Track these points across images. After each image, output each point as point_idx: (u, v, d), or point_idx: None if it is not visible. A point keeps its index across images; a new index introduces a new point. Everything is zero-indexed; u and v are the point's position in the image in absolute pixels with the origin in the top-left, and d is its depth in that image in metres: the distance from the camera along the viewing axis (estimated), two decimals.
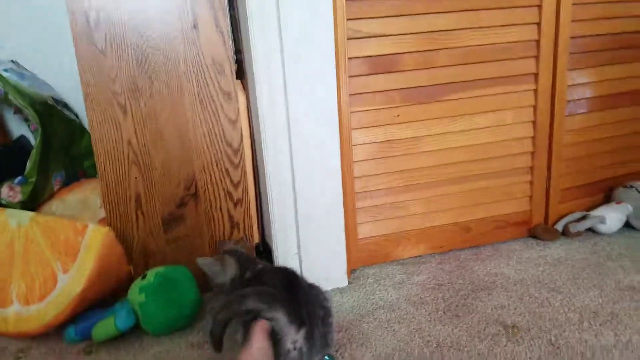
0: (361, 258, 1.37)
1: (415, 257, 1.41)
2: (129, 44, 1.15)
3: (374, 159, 1.31)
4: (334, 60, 1.19)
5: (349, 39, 1.20)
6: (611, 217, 1.43)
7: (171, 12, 1.16)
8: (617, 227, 1.45)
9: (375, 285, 1.27)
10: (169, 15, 1.16)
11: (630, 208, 1.45)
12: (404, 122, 1.30)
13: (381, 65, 1.26)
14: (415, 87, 1.29)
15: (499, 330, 1.07)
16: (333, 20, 1.16)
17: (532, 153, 1.41)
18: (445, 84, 1.30)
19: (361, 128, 1.28)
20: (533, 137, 1.40)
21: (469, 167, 1.38)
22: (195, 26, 1.18)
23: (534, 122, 1.39)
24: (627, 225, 1.48)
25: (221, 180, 1.30)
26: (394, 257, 1.40)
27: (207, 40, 1.20)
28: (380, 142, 1.30)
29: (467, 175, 1.39)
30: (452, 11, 1.26)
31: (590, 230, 1.47)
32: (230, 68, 1.24)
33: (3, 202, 1.44)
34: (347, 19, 1.19)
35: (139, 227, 1.26)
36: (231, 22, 1.24)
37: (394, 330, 1.10)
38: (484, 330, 1.08)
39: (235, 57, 1.27)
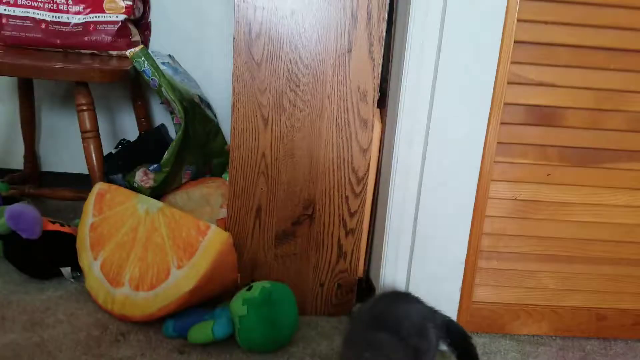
0: (472, 323, 1.24)
1: (534, 335, 1.25)
2: (283, 59, 1.16)
3: (510, 217, 1.18)
4: (489, 104, 1.10)
5: (509, 83, 1.11)
6: None
7: (328, 33, 1.15)
8: None
9: (484, 358, 1.14)
10: (325, 37, 1.15)
11: None
12: (556, 184, 1.16)
13: (541, 116, 1.14)
14: (576, 147, 1.15)
15: None
16: (497, 62, 1.08)
17: None
18: (611, 150, 1.15)
19: (503, 181, 1.16)
20: None
21: (619, 248, 1.20)
22: (349, 50, 1.16)
23: None
24: None
25: (339, 207, 1.26)
26: (509, 330, 1.25)
27: (357, 66, 1.17)
28: (522, 200, 1.17)
29: (615, 257, 1.21)
30: (633, 70, 1.11)
31: None
32: (373, 96, 1.20)
33: (135, 185, 1.54)
34: (511, 62, 1.09)
35: (253, 237, 1.27)
36: (384, 49, 1.20)
37: None
38: None
39: (380, 86, 1.24)
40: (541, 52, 1.10)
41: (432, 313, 1.06)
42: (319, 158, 1.23)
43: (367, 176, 1.25)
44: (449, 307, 1.20)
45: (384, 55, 1.20)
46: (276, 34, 1.15)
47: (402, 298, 1.10)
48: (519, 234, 1.20)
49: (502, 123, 1.14)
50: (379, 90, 1.24)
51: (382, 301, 1.08)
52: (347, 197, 1.26)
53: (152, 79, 1.48)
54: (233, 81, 1.17)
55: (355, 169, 1.24)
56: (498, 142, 1.15)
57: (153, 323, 1.18)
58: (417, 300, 1.08)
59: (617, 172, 1.16)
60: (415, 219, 1.18)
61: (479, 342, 1.22)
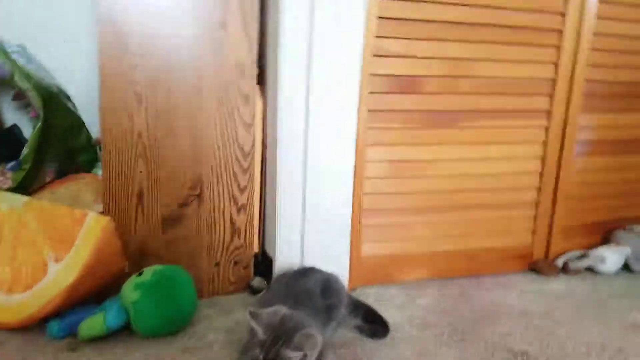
0: (362, 277, 1.33)
1: (417, 280, 1.38)
2: (157, 34, 1.12)
3: (386, 177, 1.30)
4: (359, 75, 1.20)
5: (374, 55, 1.22)
6: (611, 258, 1.45)
7: (202, 7, 1.15)
8: (616, 268, 1.46)
9: (376, 305, 1.23)
10: (199, 11, 1.15)
11: (629, 251, 1.47)
12: (420, 144, 1.30)
13: (404, 85, 1.27)
14: (435, 110, 1.30)
15: (508, 357, 1.04)
16: (363, 35, 1.18)
17: (539, 188, 1.43)
18: (464, 111, 1.32)
19: (377, 145, 1.27)
20: (541, 173, 1.42)
21: (478, 196, 1.39)
22: (223, 26, 1.17)
23: (543, 159, 1.41)
24: (625, 267, 1.50)
25: (228, 184, 1.26)
26: (395, 279, 1.37)
27: (233, 42, 1.19)
28: (395, 160, 1.29)
29: (475, 203, 1.39)
30: (476, 42, 1.29)
31: (589, 269, 1.47)
32: (252, 71, 1.23)
33: None
34: (376, 36, 1.20)
35: (137, 223, 1.21)
36: (259, 26, 1.24)
37: (398, 351, 1.06)
38: (492, 355, 1.04)
39: (257, 62, 1.27)
40: (401, 27, 1.23)
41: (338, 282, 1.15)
42: (202, 136, 1.22)
43: (254, 151, 1.27)
44: (341, 265, 1.28)
45: (259, 32, 1.24)
46: (146, 6, 1.11)
47: (311, 269, 1.17)
48: (394, 191, 1.32)
49: (371, 92, 1.24)
50: (257, 67, 1.27)
51: (295, 273, 1.15)
52: (235, 174, 1.26)
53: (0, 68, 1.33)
54: (100, 57, 1.10)
55: (240, 144, 1.25)
56: (369, 110, 1.25)
57: (34, 327, 1.06)
58: (318, 270, 1.16)
59: (469, 130, 1.34)
60: (304, 187, 1.23)
61: (371, 292, 1.31)
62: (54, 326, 1.04)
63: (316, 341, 0.86)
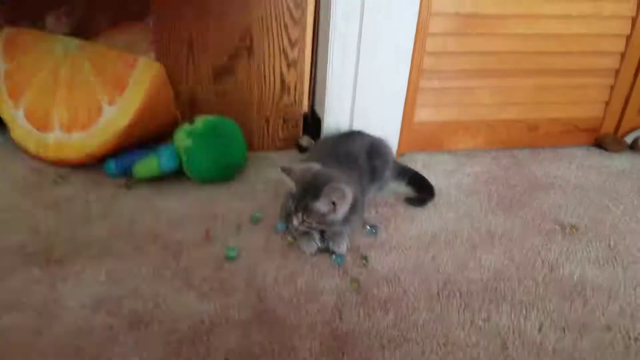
0: (413, 142, 1.29)
1: (470, 149, 1.33)
2: None
3: (451, 34, 1.18)
4: None
5: None
6: None
7: None
8: None
9: (423, 172, 1.21)
10: None
11: None
12: None
13: None
14: None
15: (555, 227, 1.02)
16: None
17: (623, 54, 1.26)
18: None
19: None
20: (628, 37, 1.24)
21: (551, 59, 1.25)
22: None
23: (633, 19, 1.23)
24: None
25: (278, 36, 1.20)
26: (447, 146, 1.32)
27: None
28: (464, 15, 1.16)
29: (547, 68, 1.26)
30: None
31: None
32: None
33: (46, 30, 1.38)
34: None
35: (188, 72, 1.19)
36: None
37: (441, 213, 1.06)
38: (539, 225, 1.02)
39: None
40: None
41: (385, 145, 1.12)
42: None
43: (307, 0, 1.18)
44: (392, 129, 1.24)
45: None
46: None
47: (358, 133, 1.15)
48: (459, 50, 1.20)
49: None
50: None
51: (341, 135, 1.14)
52: (286, 25, 1.19)
53: None
54: None
55: None
56: None
57: (92, 166, 1.13)
58: (365, 134, 1.14)
59: None
60: (358, 42, 1.14)
61: (419, 158, 1.28)
62: (111, 164, 1.10)
63: (344, 193, 0.86)
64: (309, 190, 0.88)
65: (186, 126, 1.09)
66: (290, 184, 0.90)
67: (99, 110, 1.08)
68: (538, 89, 1.28)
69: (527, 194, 1.14)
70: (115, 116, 1.07)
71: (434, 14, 1.14)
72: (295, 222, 0.89)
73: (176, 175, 1.10)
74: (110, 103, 1.07)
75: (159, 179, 1.09)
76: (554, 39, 1.22)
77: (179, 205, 1.04)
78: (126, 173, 1.10)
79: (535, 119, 1.32)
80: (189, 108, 1.23)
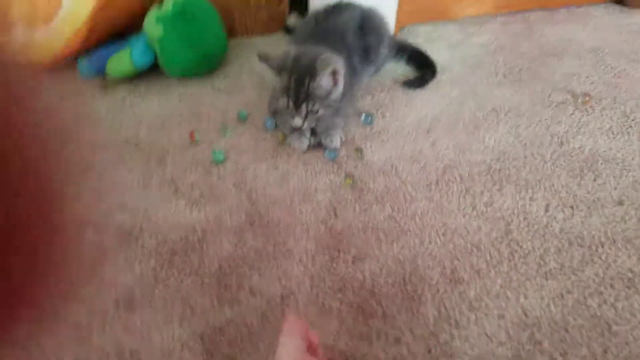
0: (414, 12, 1.16)
1: (478, 16, 1.19)
2: None
3: None
4: None
5: None
6: None
7: None
8: None
9: (426, 46, 1.09)
10: None
11: None
12: None
13: None
14: None
15: (567, 98, 0.93)
16: None
17: None
18: None
19: None
20: None
21: None
22: None
23: None
24: None
25: None
26: (452, 15, 1.18)
27: None
28: None
29: None
30: None
31: None
32: None
33: None
34: None
35: None
36: None
37: (443, 92, 0.97)
38: (549, 97, 0.94)
39: None
40: None
41: (378, 18, 0.98)
42: None
43: None
44: None
45: None
46: None
47: (345, 5, 0.99)
48: None
49: None
50: None
51: (326, 10, 0.98)
52: None
53: None
54: None
55: None
56: None
57: (66, 69, 1.04)
58: (355, 6, 0.98)
59: None
60: None
61: (422, 30, 1.16)
62: (84, 64, 1.01)
63: (336, 60, 0.78)
64: (302, 74, 0.78)
65: (155, 11, 0.97)
66: (273, 74, 0.81)
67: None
68: None
69: (537, 62, 1.03)
70: (77, 4, 0.95)
71: None
72: (298, 121, 0.81)
73: (154, 72, 1.01)
74: None
75: (136, 77, 1.01)
76: None
77: (160, 105, 0.97)
78: (102, 72, 1.02)
79: None
80: None
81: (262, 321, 0.61)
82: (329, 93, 0.80)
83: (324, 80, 0.79)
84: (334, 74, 0.79)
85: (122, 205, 0.77)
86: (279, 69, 0.80)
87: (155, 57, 0.99)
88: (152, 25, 0.95)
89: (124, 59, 0.97)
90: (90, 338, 0.60)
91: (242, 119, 0.93)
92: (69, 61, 1.01)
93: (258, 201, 0.77)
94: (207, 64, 1.03)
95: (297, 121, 0.81)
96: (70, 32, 0.96)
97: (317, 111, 0.80)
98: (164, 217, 0.75)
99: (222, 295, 0.64)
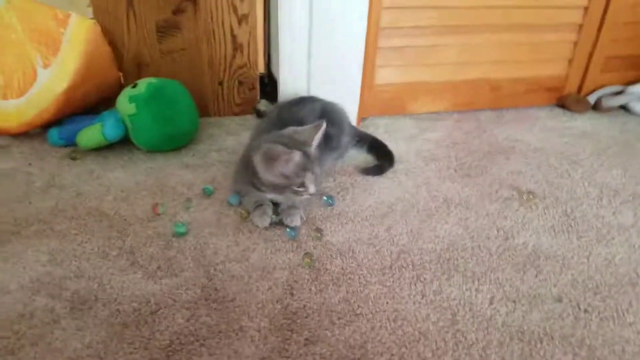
0: (374, 106, 1.26)
1: (433, 113, 1.30)
2: None
3: None
4: None
5: None
6: None
7: None
8: None
9: (385, 136, 1.17)
10: None
11: None
12: None
13: None
14: None
15: (512, 194, 1.01)
16: None
17: (586, 8, 1.23)
18: None
19: None
20: None
21: (514, 13, 1.21)
22: None
23: None
24: None
25: None
26: (410, 110, 1.29)
27: None
28: None
29: (510, 23, 1.22)
30: None
31: (624, 108, 1.35)
32: None
33: None
34: None
35: (130, 30, 1.11)
36: None
37: (399, 181, 1.04)
38: (496, 192, 1.01)
39: None
40: None
41: (340, 111, 1.07)
42: None
43: None
44: (351, 91, 1.19)
45: None
46: None
47: (309, 98, 1.08)
48: (418, 4, 1.15)
49: None
50: None
51: (289, 102, 1.06)
52: None
53: None
54: None
55: None
56: None
57: (34, 135, 1.06)
58: (317, 99, 1.08)
59: None
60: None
61: (381, 123, 1.25)
62: (54, 133, 1.04)
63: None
64: (303, 150, 0.84)
65: (128, 90, 1.02)
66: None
67: (34, 73, 1.00)
68: (501, 47, 1.25)
69: (486, 159, 1.13)
70: (51, 80, 0.99)
71: None
72: (312, 188, 0.86)
73: (124, 143, 1.04)
74: (45, 65, 1.00)
75: (105, 148, 1.03)
76: None
77: (126, 177, 0.99)
78: (71, 142, 1.04)
79: (498, 79, 1.30)
80: (136, 70, 1.16)
81: None
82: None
83: (316, 141, 0.87)
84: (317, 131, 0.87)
85: (79, 272, 0.77)
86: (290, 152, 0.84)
87: (126, 130, 1.02)
88: (125, 103, 1.00)
89: (95, 133, 1.00)
90: None
91: (207, 193, 0.96)
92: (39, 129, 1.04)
93: (216, 276, 0.78)
94: (177, 141, 1.07)
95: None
96: (43, 104, 1.00)
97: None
98: (119, 287, 0.75)
99: None
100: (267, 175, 0.86)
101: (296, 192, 0.86)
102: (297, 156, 0.83)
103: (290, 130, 0.89)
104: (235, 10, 1.14)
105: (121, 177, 0.98)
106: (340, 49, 1.13)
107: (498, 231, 0.91)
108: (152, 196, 0.94)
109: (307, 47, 1.12)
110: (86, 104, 1.07)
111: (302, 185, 0.85)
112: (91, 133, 1.01)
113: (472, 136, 1.22)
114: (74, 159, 1.02)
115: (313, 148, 0.86)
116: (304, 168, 0.84)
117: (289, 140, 0.86)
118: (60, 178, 0.97)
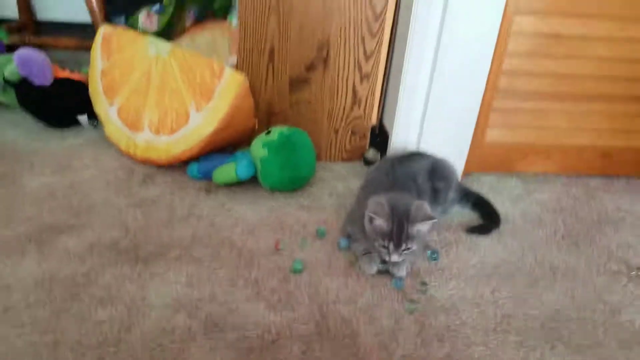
0: (481, 163, 1.30)
1: (541, 174, 1.31)
2: None
3: (530, 54, 1.16)
4: None
5: None
6: None
7: None
8: None
9: (490, 194, 1.21)
10: None
11: None
12: (579, 16, 1.12)
13: None
14: None
15: (621, 268, 1.00)
16: None
17: None
18: None
19: (527, 14, 1.11)
20: None
21: (633, 85, 1.20)
22: None
23: None
24: None
25: (355, 48, 1.22)
26: (516, 169, 1.31)
27: None
28: (545, 34, 1.13)
29: (627, 94, 1.22)
30: None
31: None
32: None
33: (139, 29, 1.48)
34: None
35: (267, 82, 1.25)
36: None
37: (505, 243, 1.06)
38: (605, 265, 1.01)
39: None
40: None
41: (448, 167, 1.13)
42: None
43: (386, 11, 1.19)
44: (460, 147, 1.24)
45: None
46: None
47: (419, 154, 1.16)
48: (537, 71, 1.18)
49: None
50: None
51: (401, 156, 1.14)
52: (363, 38, 1.22)
53: None
54: None
55: (373, 5, 1.18)
56: None
57: (176, 167, 1.23)
58: (427, 155, 1.15)
59: None
60: (434, 58, 1.14)
61: (486, 180, 1.28)
62: (194, 168, 1.20)
63: (426, 206, 0.93)
64: (401, 219, 0.91)
65: (263, 137, 1.15)
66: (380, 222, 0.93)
67: (187, 116, 1.17)
68: (613, 115, 1.24)
69: (595, 229, 1.12)
70: (201, 123, 1.15)
71: (514, 33, 1.13)
72: (395, 257, 0.92)
73: (250, 181, 1.17)
74: (197, 110, 1.15)
75: (235, 185, 1.17)
76: (633, 63, 1.18)
77: (253, 213, 1.11)
78: (206, 177, 1.19)
79: (609, 146, 1.28)
80: (266, 117, 1.30)
81: None
82: (424, 234, 0.93)
83: (422, 226, 0.91)
84: (429, 218, 0.91)
85: (212, 296, 0.88)
86: (384, 217, 0.92)
87: (255, 171, 1.15)
88: (258, 147, 1.13)
89: (229, 171, 1.14)
90: None
91: (320, 235, 1.05)
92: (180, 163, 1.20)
93: (328, 315, 0.86)
94: (297, 184, 1.18)
95: (395, 257, 0.92)
96: (190, 143, 1.16)
97: (411, 248, 0.92)
98: (245, 314, 0.85)
99: None
100: (367, 224, 0.94)
101: (380, 251, 0.93)
102: (383, 225, 0.91)
103: (408, 198, 0.95)
104: (360, 69, 1.24)
105: (248, 212, 1.11)
106: (455, 109, 1.19)
107: (605, 305, 0.91)
108: (274, 232, 1.05)
109: (423, 106, 1.20)
110: (225, 145, 1.22)
111: (386, 247, 0.92)
112: (226, 171, 1.15)
113: (580, 202, 1.22)
114: (208, 192, 1.17)
115: (415, 229, 0.91)
116: (386, 237, 0.91)
117: (396, 205, 0.93)
118: (197, 208, 1.11)
